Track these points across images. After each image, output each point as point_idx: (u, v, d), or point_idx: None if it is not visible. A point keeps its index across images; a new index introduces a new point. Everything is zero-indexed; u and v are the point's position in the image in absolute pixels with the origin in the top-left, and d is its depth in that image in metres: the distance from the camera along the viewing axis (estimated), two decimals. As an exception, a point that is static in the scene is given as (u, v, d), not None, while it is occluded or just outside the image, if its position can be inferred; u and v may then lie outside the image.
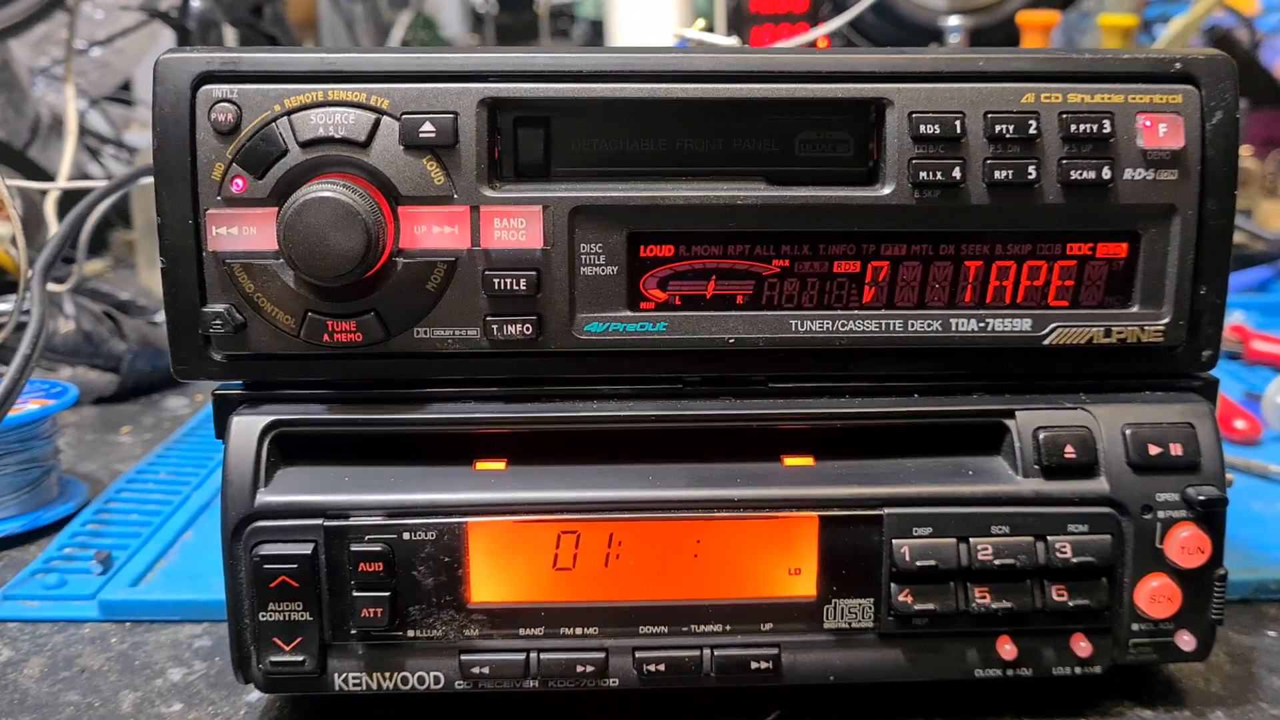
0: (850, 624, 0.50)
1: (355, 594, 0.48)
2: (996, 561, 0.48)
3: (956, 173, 0.48)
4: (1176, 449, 0.49)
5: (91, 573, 0.64)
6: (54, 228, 1.23)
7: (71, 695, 0.54)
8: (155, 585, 0.63)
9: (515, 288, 0.48)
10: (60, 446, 0.78)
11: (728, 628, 0.49)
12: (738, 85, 0.48)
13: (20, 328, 0.80)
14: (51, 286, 0.96)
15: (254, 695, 0.53)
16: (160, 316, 1.04)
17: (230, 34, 1.20)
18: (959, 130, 0.48)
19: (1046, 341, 0.50)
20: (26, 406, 0.72)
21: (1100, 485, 0.49)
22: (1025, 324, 0.50)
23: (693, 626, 0.49)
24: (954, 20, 1.29)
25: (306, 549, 0.47)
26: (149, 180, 0.51)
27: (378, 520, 0.48)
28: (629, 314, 0.49)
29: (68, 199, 1.10)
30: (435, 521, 0.48)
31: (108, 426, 0.94)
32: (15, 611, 0.61)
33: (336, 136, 0.46)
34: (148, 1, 1.35)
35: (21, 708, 0.53)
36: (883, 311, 0.50)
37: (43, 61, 1.60)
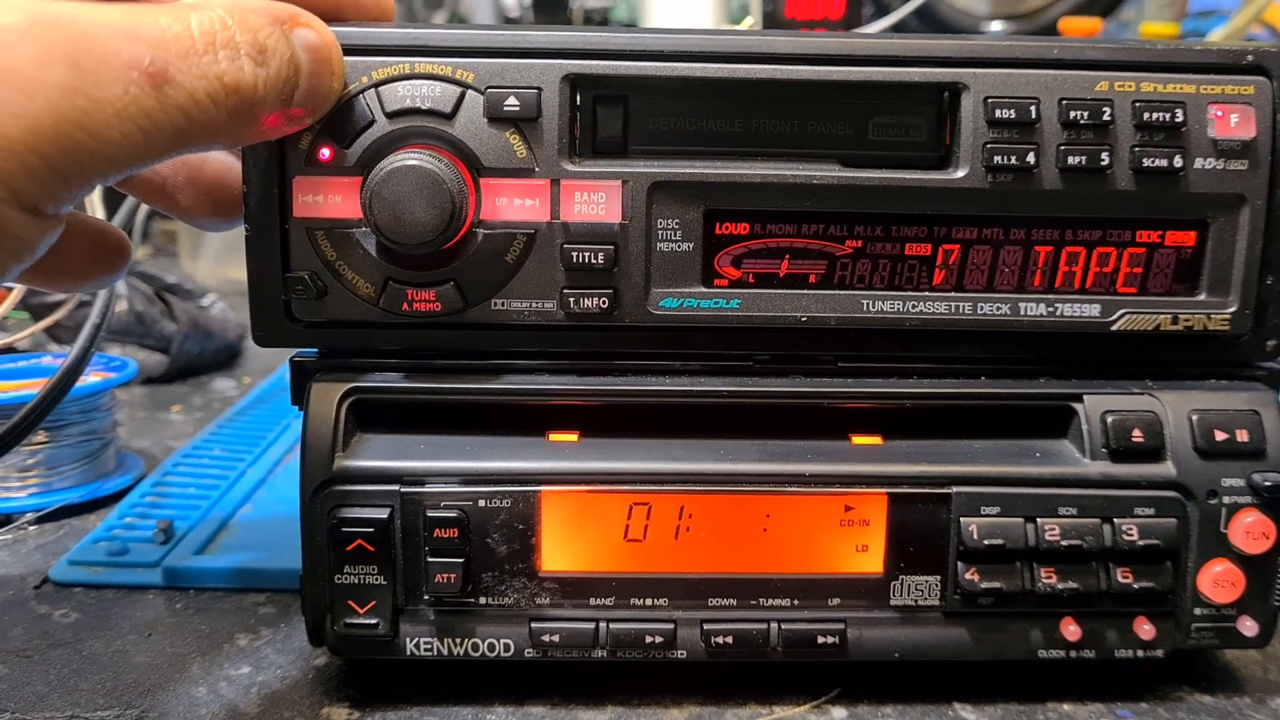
0: (916, 601, 0.50)
1: (429, 560, 0.48)
2: (1063, 542, 0.49)
3: (1030, 157, 0.48)
4: (1242, 435, 0.50)
5: (154, 541, 0.65)
6: (97, 211, 1.24)
7: (140, 657, 0.55)
8: (218, 555, 0.64)
9: (592, 261, 0.49)
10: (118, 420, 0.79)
11: (795, 602, 0.50)
12: (815, 68, 0.49)
13: (83, 304, 0.82)
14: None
15: (321, 659, 0.54)
16: (208, 300, 1.05)
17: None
18: (1034, 115, 0.48)
19: (1114, 327, 0.51)
20: (87, 379, 0.73)
21: (1167, 469, 0.50)
22: (1094, 309, 0.51)
23: (761, 600, 0.50)
24: (995, 25, 1.30)
25: (383, 513, 0.48)
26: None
27: (453, 487, 0.49)
28: (703, 290, 0.50)
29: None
30: (509, 490, 0.49)
31: (158, 405, 0.95)
32: (80, 576, 0.62)
33: (423, 108, 0.47)
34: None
35: (92, 667, 0.54)
36: (952, 294, 0.51)
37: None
